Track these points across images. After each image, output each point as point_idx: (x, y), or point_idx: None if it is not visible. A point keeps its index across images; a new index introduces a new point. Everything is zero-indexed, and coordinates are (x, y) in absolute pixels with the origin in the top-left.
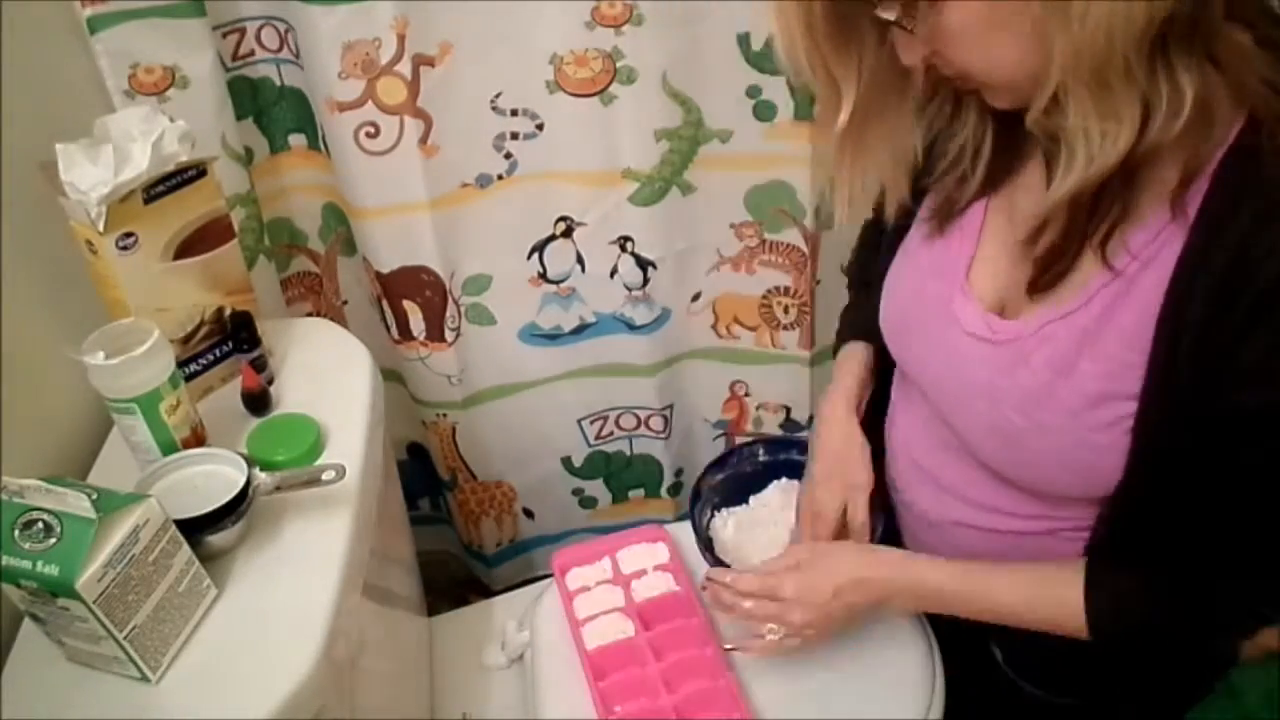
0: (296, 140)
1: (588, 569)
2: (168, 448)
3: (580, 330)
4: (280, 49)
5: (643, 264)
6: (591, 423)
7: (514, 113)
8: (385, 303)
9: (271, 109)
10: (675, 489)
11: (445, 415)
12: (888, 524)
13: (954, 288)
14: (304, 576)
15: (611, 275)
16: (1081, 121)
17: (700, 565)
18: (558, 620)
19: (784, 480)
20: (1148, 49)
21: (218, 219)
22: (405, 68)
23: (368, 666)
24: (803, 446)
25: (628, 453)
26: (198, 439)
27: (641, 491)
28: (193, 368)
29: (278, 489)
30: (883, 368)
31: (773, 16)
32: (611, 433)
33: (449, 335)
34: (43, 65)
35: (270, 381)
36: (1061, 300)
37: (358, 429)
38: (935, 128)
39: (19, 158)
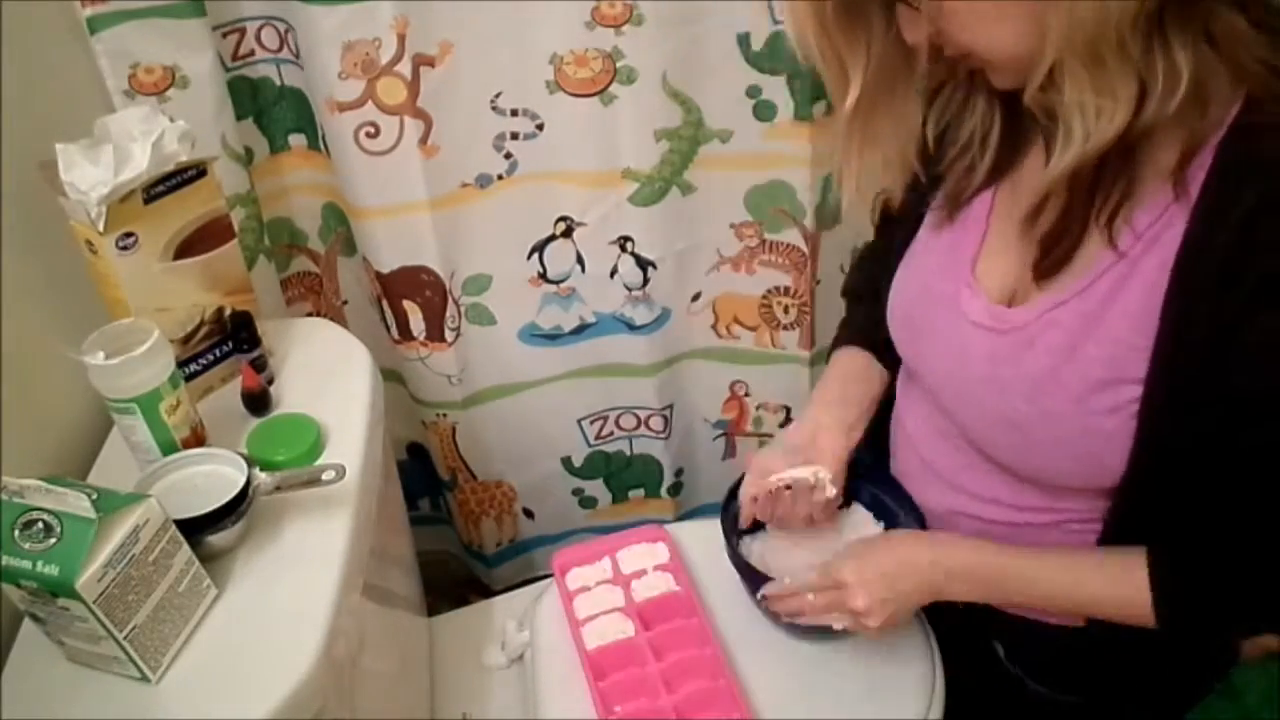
0: (296, 140)
1: (588, 569)
2: (168, 448)
3: (580, 330)
4: (280, 49)
5: (643, 264)
6: (591, 423)
7: (514, 113)
8: (385, 303)
9: (271, 109)
10: (675, 489)
11: (445, 415)
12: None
13: (960, 283)
14: (304, 576)
15: (611, 275)
16: (1077, 97)
17: (700, 565)
18: (558, 620)
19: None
20: (1144, 26)
21: (218, 219)
22: (405, 68)
23: (368, 666)
24: None
25: (628, 453)
26: (198, 439)
27: (641, 491)
28: (193, 368)
29: (278, 489)
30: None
31: (784, 5)
32: (611, 433)
33: (449, 335)
34: (43, 65)
35: (270, 381)
36: (1065, 285)
37: (358, 429)
38: (947, 116)
39: (19, 158)
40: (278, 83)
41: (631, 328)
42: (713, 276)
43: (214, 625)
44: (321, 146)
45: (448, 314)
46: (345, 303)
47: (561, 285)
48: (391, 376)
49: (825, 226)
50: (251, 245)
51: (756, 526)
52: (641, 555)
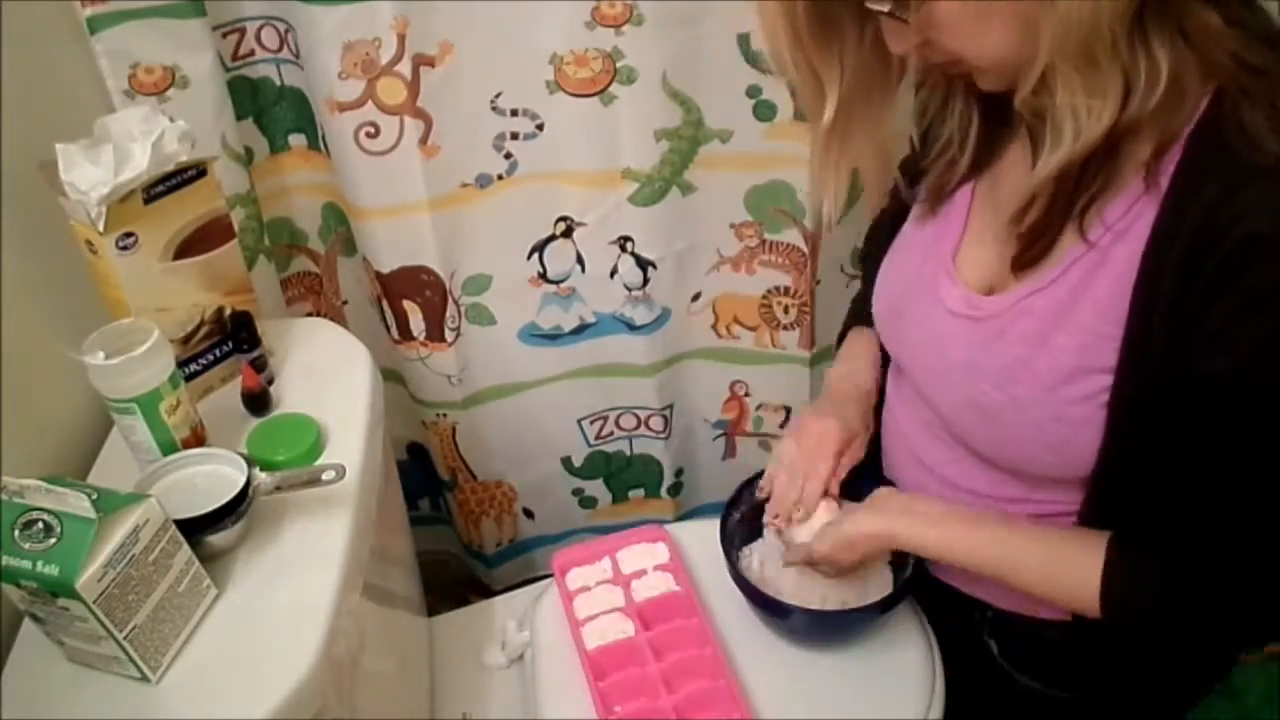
0: (296, 140)
1: (588, 569)
2: (168, 448)
3: (580, 330)
4: (280, 49)
5: (643, 264)
6: (591, 423)
7: (514, 113)
8: (385, 303)
9: (271, 109)
10: (675, 489)
11: (445, 415)
12: None
13: (940, 271)
14: (304, 576)
15: (611, 275)
16: (1069, 99)
17: (700, 565)
18: (558, 620)
19: None
20: (1126, 24)
21: (218, 219)
22: (405, 68)
23: (368, 666)
24: None
25: (628, 453)
26: (198, 439)
27: (641, 491)
28: (193, 368)
29: (278, 489)
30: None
31: (757, 16)
32: (611, 433)
33: (449, 335)
34: (43, 65)
35: (270, 381)
36: (1040, 275)
37: (358, 429)
38: (930, 112)
39: (19, 158)
40: (278, 83)
41: (631, 328)
42: (713, 276)
43: (214, 625)
44: (321, 146)
45: (448, 314)
46: (345, 303)
47: (561, 285)
48: (391, 376)
49: (826, 227)
50: (251, 245)
51: (754, 534)
52: (641, 555)
